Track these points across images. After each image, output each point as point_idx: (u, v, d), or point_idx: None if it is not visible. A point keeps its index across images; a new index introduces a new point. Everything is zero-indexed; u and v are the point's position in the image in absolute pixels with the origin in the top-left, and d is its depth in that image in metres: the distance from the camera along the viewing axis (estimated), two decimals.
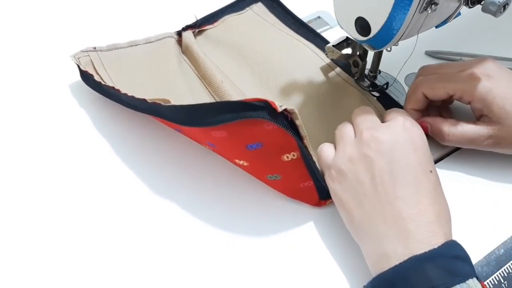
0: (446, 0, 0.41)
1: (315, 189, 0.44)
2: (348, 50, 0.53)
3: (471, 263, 0.36)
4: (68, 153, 0.51)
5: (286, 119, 0.39)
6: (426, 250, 0.35)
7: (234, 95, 0.51)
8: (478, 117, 0.46)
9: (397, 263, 0.35)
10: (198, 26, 0.61)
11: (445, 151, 0.49)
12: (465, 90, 0.45)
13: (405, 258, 0.35)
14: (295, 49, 0.58)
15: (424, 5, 0.40)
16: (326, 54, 0.53)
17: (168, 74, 0.55)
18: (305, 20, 0.62)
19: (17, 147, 0.51)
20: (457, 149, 0.49)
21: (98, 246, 0.44)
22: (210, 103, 0.40)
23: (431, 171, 0.39)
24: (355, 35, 0.45)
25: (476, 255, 0.42)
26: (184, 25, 0.61)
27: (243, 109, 0.38)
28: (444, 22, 0.45)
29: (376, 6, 0.42)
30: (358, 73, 0.53)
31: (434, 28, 0.45)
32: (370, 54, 0.51)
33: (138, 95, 0.47)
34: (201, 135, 0.44)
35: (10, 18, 0.66)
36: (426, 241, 0.36)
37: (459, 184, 0.47)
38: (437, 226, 0.36)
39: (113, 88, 0.49)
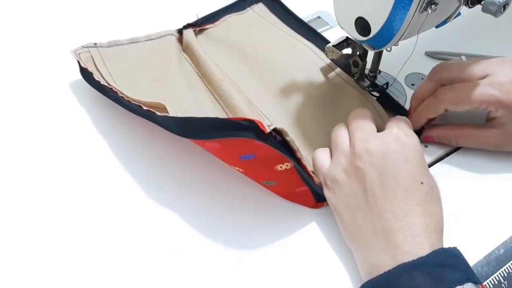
0: (446, 0, 0.41)
1: (310, 193, 0.44)
2: (348, 50, 0.53)
3: (465, 269, 0.36)
4: (68, 151, 0.51)
5: (275, 139, 0.39)
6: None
7: (234, 94, 0.51)
8: (489, 120, 0.46)
9: (381, 272, 0.36)
10: (199, 25, 0.61)
11: (444, 151, 0.49)
12: (490, 102, 0.43)
13: (388, 268, 0.36)
14: (296, 49, 0.58)
15: (424, 5, 0.40)
16: (326, 54, 0.53)
17: (168, 72, 0.55)
18: (305, 20, 0.62)
19: (17, 145, 0.51)
20: (457, 149, 0.49)
21: (95, 245, 0.44)
22: (199, 119, 0.40)
23: (422, 183, 0.39)
24: (355, 35, 0.45)
25: (476, 255, 0.42)
26: (185, 24, 0.61)
27: (230, 128, 0.38)
28: (444, 22, 0.45)
29: (376, 6, 0.42)
30: (358, 73, 0.53)
31: (434, 28, 0.45)
32: (370, 54, 0.51)
33: (137, 95, 0.47)
34: (196, 142, 0.45)
35: (10, 16, 0.66)
36: (412, 252, 0.36)
37: (459, 184, 0.47)
38: (424, 238, 0.37)
39: (111, 89, 0.49)
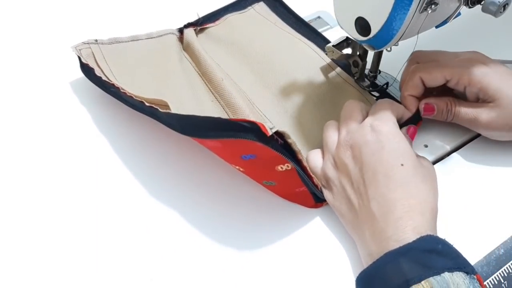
0: (446, 0, 0.41)
1: (309, 194, 0.45)
2: (348, 50, 0.53)
3: (455, 258, 0.36)
4: (69, 149, 0.51)
5: (276, 142, 0.39)
6: (397, 246, 0.36)
7: (235, 93, 0.51)
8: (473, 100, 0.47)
9: (371, 262, 0.37)
10: (200, 24, 0.61)
11: (444, 151, 0.49)
12: (462, 74, 0.46)
13: (381, 255, 0.36)
14: (296, 48, 0.58)
15: (424, 5, 0.40)
16: (326, 54, 0.53)
17: (169, 71, 0.55)
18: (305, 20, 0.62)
19: (18, 143, 0.51)
20: (456, 149, 0.49)
21: (96, 242, 0.44)
22: (202, 117, 0.41)
23: (402, 164, 0.40)
24: (355, 35, 0.45)
25: (476, 255, 0.42)
26: (186, 23, 0.61)
27: (232, 128, 0.38)
28: (444, 22, 0.45)
29: (376, 6, 0.42)
30: (358, 73, 0.53)
31: (434, 28, 0.45)
32: (370, 54, 0.51)
33: (138, 92, 0.47)
34: (198, 140, 0.45)
35: (11, 14, 0.67)
36: (393, 237, 0.37)
37: (459, 183, 0.47)
38: (405, 221, 0.37)
39: (113, 85, 0.49)
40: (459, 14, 0.44)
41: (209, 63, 0.55)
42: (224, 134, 0.39)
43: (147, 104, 0.45)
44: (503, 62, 0.49)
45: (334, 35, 0.55)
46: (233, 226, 0.45)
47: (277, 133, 0.39)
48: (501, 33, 0.60)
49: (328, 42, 0.56)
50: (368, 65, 0.52)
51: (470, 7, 0.42)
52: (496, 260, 0.42)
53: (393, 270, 0.35)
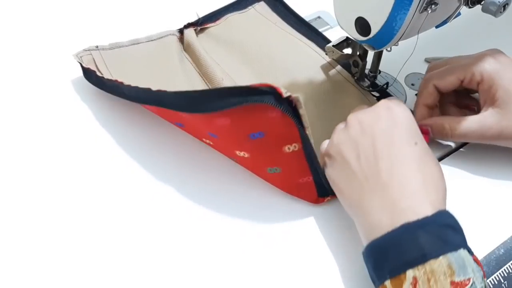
0: (446, 0, 0.41)
1: (314, 185, 0.44)
2: (348, 50, 0.53)
3: (463, 235, 0.36)
4: (70, 148, 0.51)
5: (290, 106, 0.39)
6: (413, 219, 0.35)
7: None
8: (482, 104, 0.46)
9: (382, 233, 0.36)
10: (200, 24, 0.61)
11: (444, 151, 0.49)
12: (474, 71, 0.45)
13: (389, 228, 0.36)
14: (297, 48, 0.58)
15: (424, 5, 0.40)
16: (327, 54, 0.53)
17: (170, 72, 0.55)
18: None
19: (19, 142, 0.51)
20: (456, 149, 0.49)
21: (99, 240, 0.44)
22: (216, 89, 0.40)
23: (416, 143, 0.40)
24: (355, 35, 0.45)
25: (476, 255, 0.42)
26: (186, 23, 0.61)
27: (248, 94, 0.38)
28: (444, 22, 0.45)
29: (376, 6, 0.42)
30: (358, 73, 0.53)
31: (434, 28, 0.45)
32: (370, 54, 0.51)
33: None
34: (203, 126, 0.44)
35: (13, 15, 0.67)
36: (409, 210, 0.36)
37: (459, 183, 0.47)
38: (422, 194, 0.37)
39: (116, 80, 0.49)
40: (459, 14, 0.44)
41: (210, 63, 0.55)
42: (242, 100, 0.38)
43: (154, 89, 0.45)
44: None
45: (334, 35, 0.55)
46: (233, 226, 0.45)
47: (291, 100, 0.39)
48: (501, 33, 0.60)
49: (329, 41, 0.56)
50: (368, 65, 0.52)
51: (470, 7, 0.42)
52: (496, 260, 0.42)
53: (410, 242, 0.34)
